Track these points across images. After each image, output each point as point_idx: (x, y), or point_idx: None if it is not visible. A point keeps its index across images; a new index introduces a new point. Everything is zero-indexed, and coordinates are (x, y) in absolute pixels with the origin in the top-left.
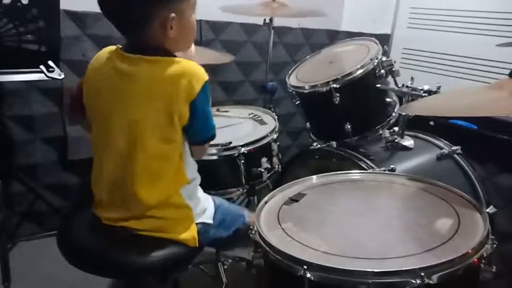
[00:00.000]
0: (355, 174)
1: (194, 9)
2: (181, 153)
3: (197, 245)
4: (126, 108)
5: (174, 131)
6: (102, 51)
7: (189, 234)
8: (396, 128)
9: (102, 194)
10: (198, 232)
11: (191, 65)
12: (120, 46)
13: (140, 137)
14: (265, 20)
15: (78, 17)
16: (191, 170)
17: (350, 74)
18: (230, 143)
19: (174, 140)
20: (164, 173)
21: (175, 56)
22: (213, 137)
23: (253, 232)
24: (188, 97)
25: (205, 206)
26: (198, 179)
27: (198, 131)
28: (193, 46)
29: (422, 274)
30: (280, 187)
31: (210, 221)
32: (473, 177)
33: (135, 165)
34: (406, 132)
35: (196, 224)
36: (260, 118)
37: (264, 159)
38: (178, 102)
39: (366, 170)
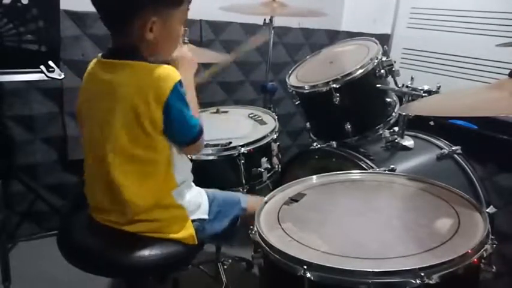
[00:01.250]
0: (355, 174)
1: (184, 19)
2: (168, 158)
3: (196, 242)
4: (101, 115)
5: (149, 136)
6: (94, 59)
7: (186, 233)
8: (396, 128)
9: (97, 199)
10: (196, 229)
11: (160, 68)
12: (100, 55)
13: (115, 144)
14: (265, 20)
15: (78, 17)
16: (181, 173)
17: (350, 74)
18: (230, 143)
19: (153, 146)
20: (151, 178)
21: (148, 61)
22: (199, 134)
23: (253, 232)
24: (158, 99)
25: (199, 201)
26: (190, 179)
27: (179, 132)
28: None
29: (422, 274)
30: (280, 187)
31: (205, 216)
32: (473, 177)
33: (117, 172)
34: (406, 132)
35: (193, 221)
36: (260, 118)
37: (263, 159)
38: (148, 107)
39: (366, 170)
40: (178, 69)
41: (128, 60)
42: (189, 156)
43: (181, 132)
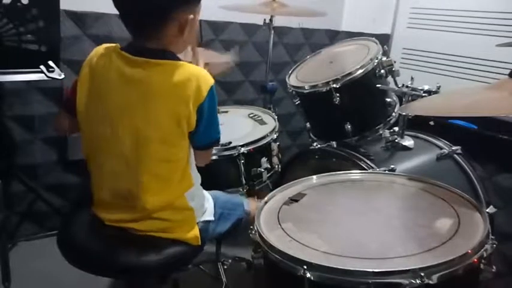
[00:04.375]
0: (355, 174)
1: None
2: (187, 157)
3: (199, 243)
4: (135, 114)
5: (182, 135)
6: (98, 49)
7: (192, 234)
8: (396, 128)
9: (105, 196)
10: (200, 231)
11: (197, 69)
12: (120, 46)
13: (148, 143)
14: (265, 20)
15: (78, 17)
16: (195, 173)
17: (350, 74)
18: (230, 143)
19: (181, 144)
20: (171, 176)
21: (179, 59)
22: (217, 141)
23: (253, 232)
24: (196, 101)
25: (205, 205)
26: (199, 180)
27: (203, 134)
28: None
29: (422, 274)
30: (280, 187)
31: (211, 218)
32: (473, 177)
33: (141, 170)
34: (406, 132)
35: (198, 223)
36: (260, 118)
37: (263, 159)
38: (187, 106)
39: (366, 170)
40: None
41: (162, 59)
42: None
43: (205, 134)
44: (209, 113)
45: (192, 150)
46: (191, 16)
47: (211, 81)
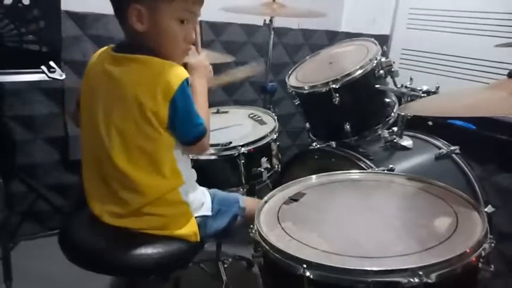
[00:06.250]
0: (354, 174)
1: (180, 18)
2: (173, 154)
3: (198, 239)
4: (109, 109)
5: (155, 130)
6: (99, 50)
7: (189, 230)
8: (395, 128)
9: (96, 190)
10: (198, 226)
11: (169, 64)
12: (112, 45)
13: (123, 138)
14: (265, 20)
15: (79, 18)
16: (185, 170)
17: (349, 74)
18: (230, 143)
19: (158, 139)
20: (158, 171)
21: (155, 55)
22: (202, 133)
23: (253, 231)
24: (166, 96)
25: (202, 200)
26: (194, 176)
27: (184, 130)
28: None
29: (421, 273)
30: (280, 187)
31: (209, 213)
32: (471, 176)
33: (124, 162)
34: (405, 132)
35: (196, 217)
36: (260, 118)
37: (263, 159)
38: (155, 102)
39: (365, 169)
40: (194, 75)
41: (137, 54)
42: (190, 156)
43: (185, 131)
44: (183, 107)
45: (178, 150)
46: (137, 6)
47: (183, 75)
